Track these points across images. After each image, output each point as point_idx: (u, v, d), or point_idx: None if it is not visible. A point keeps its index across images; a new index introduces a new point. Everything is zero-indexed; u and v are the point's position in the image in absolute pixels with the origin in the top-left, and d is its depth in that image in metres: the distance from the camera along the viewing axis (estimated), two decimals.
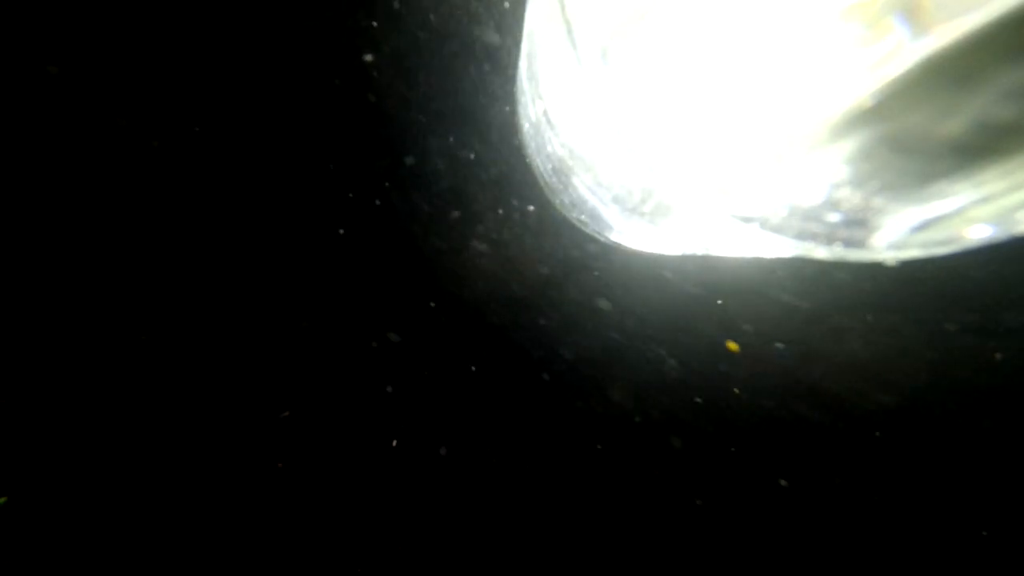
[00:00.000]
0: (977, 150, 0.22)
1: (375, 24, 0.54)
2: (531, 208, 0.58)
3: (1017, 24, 0.17)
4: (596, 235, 0.49)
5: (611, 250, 0.55)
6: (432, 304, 0.66)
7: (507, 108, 0.53)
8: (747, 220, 0.30)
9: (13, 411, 0.70)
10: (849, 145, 0.24)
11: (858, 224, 0.27)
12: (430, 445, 0.70)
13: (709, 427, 0.63)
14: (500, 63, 0.52)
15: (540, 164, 0.49)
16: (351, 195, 0.63)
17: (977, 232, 0.25)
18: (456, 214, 0.61)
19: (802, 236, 0.29)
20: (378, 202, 0.62)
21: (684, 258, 0.54)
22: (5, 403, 0.70)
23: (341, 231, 0.64)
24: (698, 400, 0.62)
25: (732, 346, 0.54)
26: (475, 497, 0.71)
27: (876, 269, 0.51)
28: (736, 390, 0.61)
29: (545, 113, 0.40)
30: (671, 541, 0.67)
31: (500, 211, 0.59)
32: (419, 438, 0.70)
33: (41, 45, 0.57)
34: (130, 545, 0.72)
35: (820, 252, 0.29)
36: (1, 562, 0.71)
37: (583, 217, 0.48)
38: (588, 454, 0.67)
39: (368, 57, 0.55)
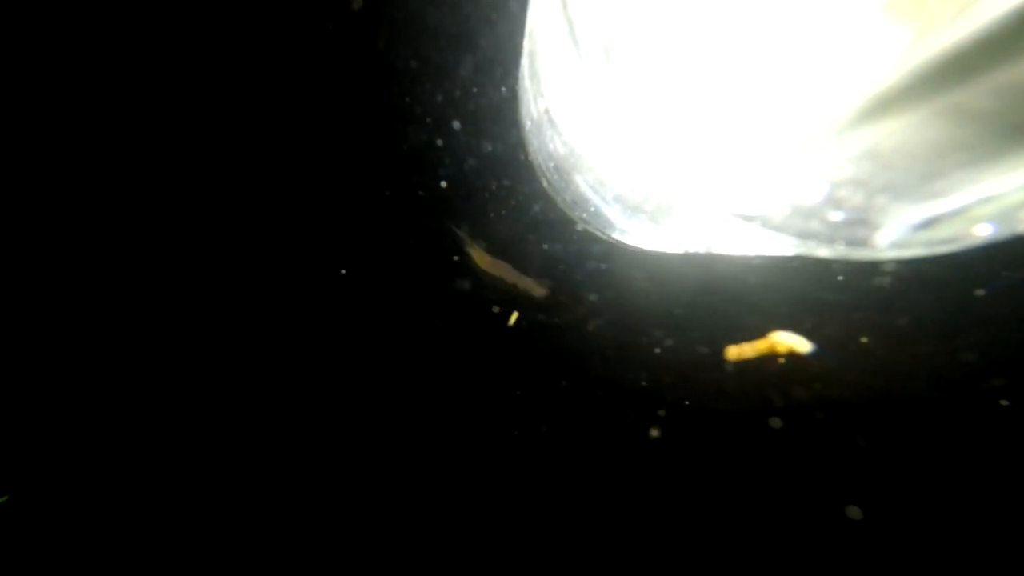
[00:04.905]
0: (978, 149, 0.22)
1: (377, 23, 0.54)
2: (533, 206, 0.58)
3: (1018, 24, 0.17)
4: (598, 233, 0.49)
5: (613, 248, 0.55)
6: (434, 302, 0.66)
7: (509, 106, 0.53)
8: (749, 219, 0.30)
9: (13, 411, 0.70)
10: (851, 144, 0.24)
11: (860, 223, 0.27)
12: (437, 434, 0.70)
13: (706, 421, 0.63)
14: (501, 62, 0.51)
15: (542, 162, 0.48)
16: (351, 194, 0.62)
17: (979, 231, 0.25)
18: (457, 213, 0.61)
19: (804, 235, 0.29)
20: (380, 200, 0.62)
21: (686, 256, 0.54)
22: (5, 403, 0.70)
23: (341, 233, 0.64)
24: (699, 396, 0.62)
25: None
26: (468, 489, 0.71)
27: (878, 268, 0.51)
28: (733, 388, 0.61)
29: (547, 111, 0.40)
30: (649, 529, 0.67)
31: (502, 209, 0.59)
32: (426, 429, 0.70)
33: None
34: (130, 545, 0.72)
35: (822, 251, 0.29)
36: (1, 562, 0.71)
37: (585, 215, 0.48)
38: (582, 443, 0.67)
39: (370, 56, 0.55)
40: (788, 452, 0.62)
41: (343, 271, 0.65)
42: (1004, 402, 0.52)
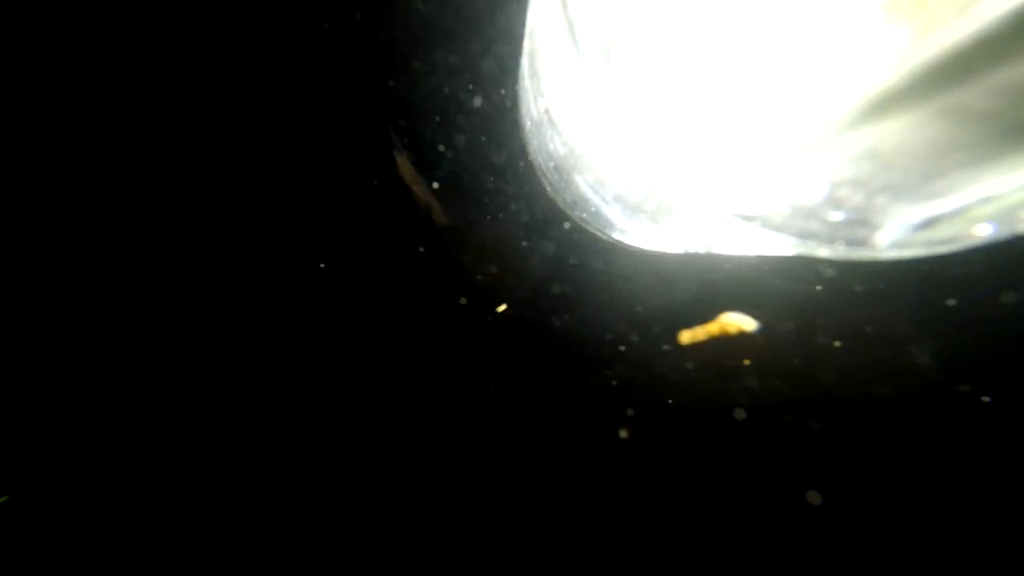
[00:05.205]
0: (978, 149, 0.22)
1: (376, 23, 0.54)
2: (533, 206, 0.58)
3: (1018, 24, 0.17)
4: (598, 233, 0.49)
5: (613, 248, 0.55)
6: (434, 299, 0.66)
7: (508, 106, 0.53)
8: (749, 219, 0.30)
9: (13, 411, 0.70)
10: (851, 144, 0.24)
11: (860, 223, 0.27)
12: (435, 436, 0.70)
13: (706, 421, 0.63)
14: (501, 61, 0.51)
15: (542, 162, 0.49)
16: (350, 193, 0.63)
17: (979, 231, 0.25)
18: (457, 213, 0.61)
19: (804, 235, 0.29)
20: (380, 199, 0.62)
21: (686, 256, 0.54)
22: (5, 403, 0.70)
23: (338, 231, 0.64)
24: (699, 396, 0.62)
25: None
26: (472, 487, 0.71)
27: (878, 267, 0.51)
28: (734, 387, 0.61)
29: (547, 111, 0.40)
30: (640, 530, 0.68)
31: (501, 209, 0.59)
32: (424, 429, 0.70)
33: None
34: (130, 545, 0.72)
35: (822, 251, 0.29)
36: (1, 562, 0.71)
37: (585, 216, 0.48)
38: (582, 446, 0.67)
39: (370, 55, 0.55)
40: (785, 452, 0.62)
41: (322, 264, 0.65)
42: (985, 399, 0.53)
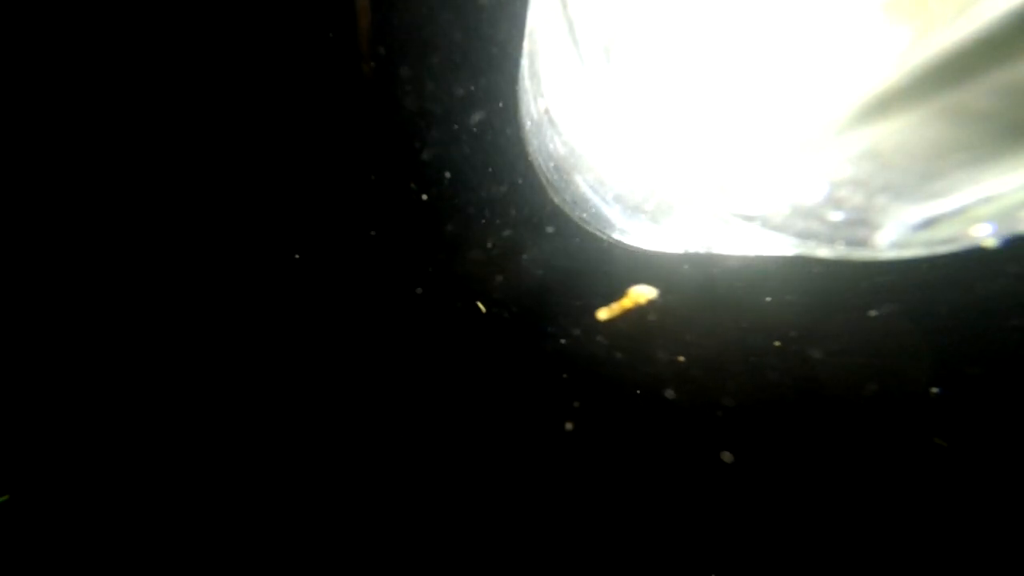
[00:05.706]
0: (978, 150, 0.22)
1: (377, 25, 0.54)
2: (533, 207, 0.58)
3: (1018, 24, 0.17)
4: (598, 233, 0.49)
5: (613, 248, 0.55)
6: (434, 297, 0.66)
7: (508, 106, 0.53)
8: (749, 219, 0.30)
9: (13, 411, 0.70)
10: (851, 144, 0.24)
11: (860, 223, 0.27)
12: (442, 426, 0.70)
13: (705, 418, 0.63)
14: (501, 62, 0.51)
15: (542, 162, 0.49)
16: (350, 193, 0.62)
17: (979, 231, 0.25)
18: (457, 213, 0.61)
19: (804, 235, 0.29)
20: (382, 198, 0.62)
21: (686, 256, 0.54)
22: (5, 403, 0.70)
23: (339, 231, 0.64)
24: (696, 393, 0.62)
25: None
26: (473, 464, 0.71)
27: (877, 267, 0.51)
28: (733, 386, 0.61)
29: (547, 111, 0.40)
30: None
31: (501, 210, 0.59)
32: (430, 422, 0.70)
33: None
34: (130, 545, 0.72)
35: (822, 251, 0.29)
36: (1, 562, 0.71)
37: (585, 215, 0.48)
38: (575, 437, 0.68)
39: (371, 55, 0.55)
40: (782, 451, 0.62)
41: (296, 256, 0.65)
42: (934, 390, 0.54)
